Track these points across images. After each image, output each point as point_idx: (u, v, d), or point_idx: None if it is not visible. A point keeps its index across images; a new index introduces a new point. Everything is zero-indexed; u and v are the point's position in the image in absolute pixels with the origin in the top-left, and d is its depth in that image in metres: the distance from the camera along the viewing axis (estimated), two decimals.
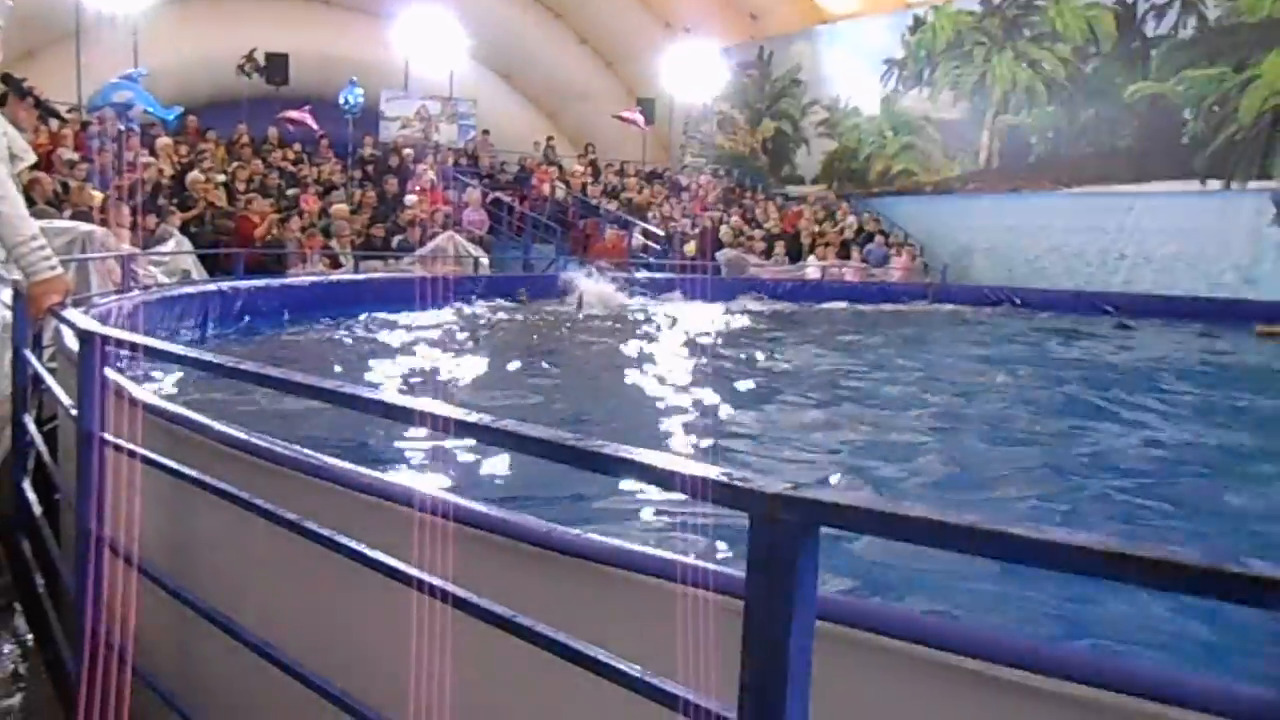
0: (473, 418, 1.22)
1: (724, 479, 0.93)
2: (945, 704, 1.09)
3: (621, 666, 1.06)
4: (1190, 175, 15.43)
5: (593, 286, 13.15)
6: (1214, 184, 15.19)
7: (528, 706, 1.44)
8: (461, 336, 9.47)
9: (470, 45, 19.67)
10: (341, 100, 16.65)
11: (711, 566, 1.17)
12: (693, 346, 9.32)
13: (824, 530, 0.94)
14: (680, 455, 0.87)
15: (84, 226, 8.01)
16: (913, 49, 19.51)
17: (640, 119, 20.34)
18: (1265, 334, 12.06)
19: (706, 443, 5.00)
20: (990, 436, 5.41)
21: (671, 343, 9.70)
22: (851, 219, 18.41)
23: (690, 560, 1.20)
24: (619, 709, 1.10)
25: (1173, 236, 15.55)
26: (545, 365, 7.89)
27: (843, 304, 14.91)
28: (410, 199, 14.55)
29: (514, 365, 7.68)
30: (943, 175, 19.06)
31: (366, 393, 1.43)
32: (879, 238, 17.57)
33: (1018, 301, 15.66)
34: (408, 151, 16.93)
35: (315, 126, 16.25)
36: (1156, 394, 7.30)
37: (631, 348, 8.93)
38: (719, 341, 9.95)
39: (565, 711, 1.38)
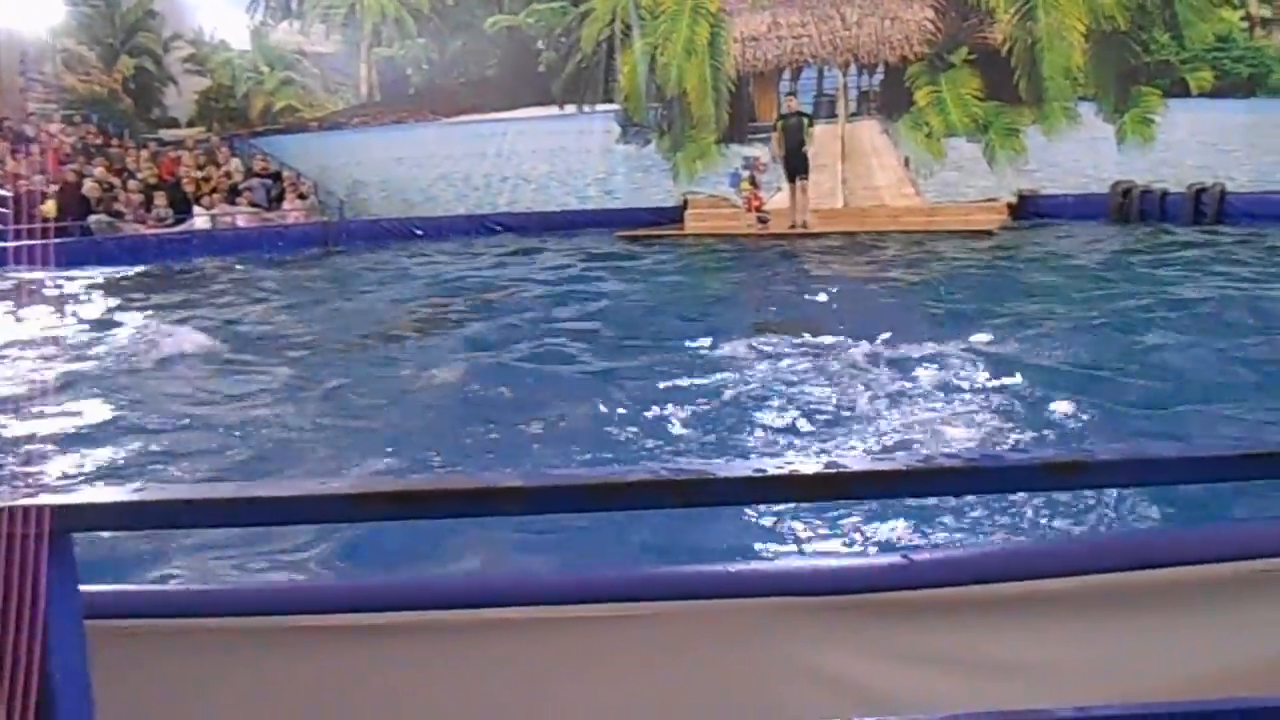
0: None
1: None
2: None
3: None
4: (550, 101, 17.06)
5: None
6: (569, 108, 16.99)
7: None
8: None
9: None
10: None
11: None
12: None
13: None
14: None
15: None
16: None
17: None
18: (624, 238, 13.94)
19: None
20: None
21: None
22: (236, 161, 17.33)
23: None
24: None
25: (543, 158, 17.14)
26: None
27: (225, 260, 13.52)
28: None
29: None
30: (327, 110, 18.74)
31: None
32: (255, 179, 16.69)
33: (419, 232, 16.10)
34: None
35: None
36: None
37: None
38: None
39: None
